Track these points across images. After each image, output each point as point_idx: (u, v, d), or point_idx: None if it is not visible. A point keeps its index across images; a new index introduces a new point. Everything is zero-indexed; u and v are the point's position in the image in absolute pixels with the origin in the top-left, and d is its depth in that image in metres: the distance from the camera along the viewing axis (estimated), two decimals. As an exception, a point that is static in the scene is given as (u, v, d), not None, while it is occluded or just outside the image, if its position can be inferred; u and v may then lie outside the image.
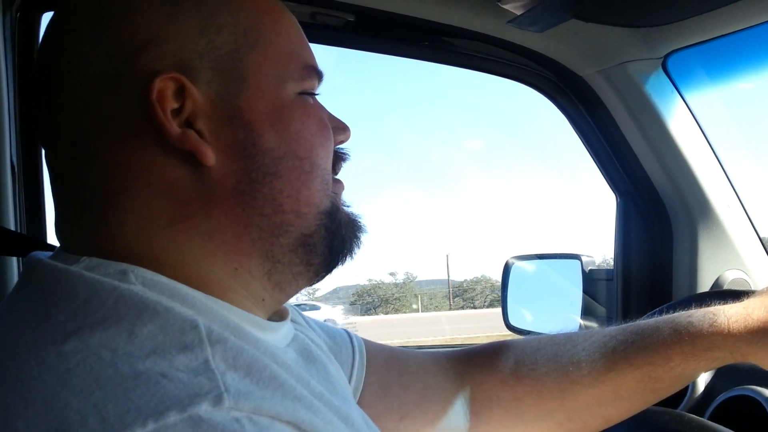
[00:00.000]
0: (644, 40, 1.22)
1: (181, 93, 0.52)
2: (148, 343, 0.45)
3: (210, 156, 0.53)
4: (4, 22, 0.97)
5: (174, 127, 0.52)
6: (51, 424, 0.40)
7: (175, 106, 0.52)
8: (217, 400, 0.42)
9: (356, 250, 0.64)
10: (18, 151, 0.99)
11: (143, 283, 0.50)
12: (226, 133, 0.54)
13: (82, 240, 0.55)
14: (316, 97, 0.62)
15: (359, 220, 0.65)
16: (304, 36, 0.62)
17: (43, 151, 0.58)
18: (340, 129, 0.64)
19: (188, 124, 0.53)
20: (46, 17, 1.04)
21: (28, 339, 0.46)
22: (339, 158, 0.63)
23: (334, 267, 0.63)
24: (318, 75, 0.61)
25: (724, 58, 1.29)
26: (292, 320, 0.69)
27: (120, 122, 0.53)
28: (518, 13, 1.08)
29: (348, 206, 0.64)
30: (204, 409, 0.41)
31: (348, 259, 0.64)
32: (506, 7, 1.07)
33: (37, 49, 1.00)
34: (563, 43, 1.25)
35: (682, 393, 1.02)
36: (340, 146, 0.64)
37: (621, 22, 1.11)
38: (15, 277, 0.95)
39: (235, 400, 0.43)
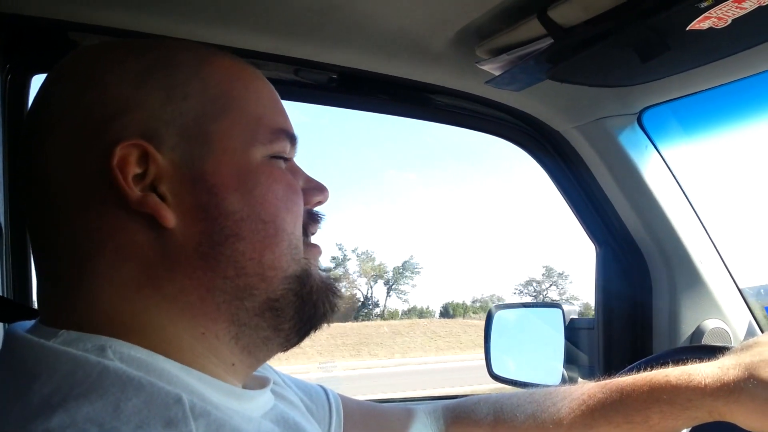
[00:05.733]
0: (619, 97, 1.26)
1: (145, 158, 0.54)
2: (134, 418, 0.46)
3: (170, 218, 0.54)
4: (-6, 85, 0.99)
5: (134, 191, 0.54)
6: None
7: (138, 171, 0.54)
8: None
9: (330, 314, 0.63)
10: (6, 213, 1.00)
11: (121, 358, 0.51)
12: (189, 197, 0.55)
13: (60, 309, 0.55)
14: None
15: (334, 284, 0.64)
16: (279, 100, 0.64)
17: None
18: (317, 190, 0.65)
19: (153, 188, 0.55)
20: (36, 79, 1.07)
21: (12, 414, 0.46)
22: (314, 220, 0.64)
23: (306, 332, 0.63)
24: (290, 138, 0.62)
25: (697, 112, 1.32)
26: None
27: (87, 188, 0.54)
28: (496, 74, 1.11)
29: (324, 271, 0.64)
30: None
31: (323, 323, 0.63)
32: (484, 68, 1.10)
33: (27, 111, 1.04)
34: (540, 100, 1.29)
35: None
36: (317, 208, 0.65)
37: (595, 82, 1.14)
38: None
39: None
